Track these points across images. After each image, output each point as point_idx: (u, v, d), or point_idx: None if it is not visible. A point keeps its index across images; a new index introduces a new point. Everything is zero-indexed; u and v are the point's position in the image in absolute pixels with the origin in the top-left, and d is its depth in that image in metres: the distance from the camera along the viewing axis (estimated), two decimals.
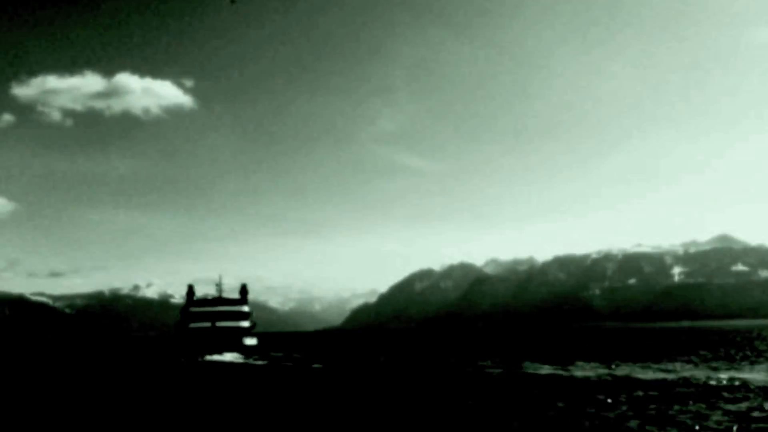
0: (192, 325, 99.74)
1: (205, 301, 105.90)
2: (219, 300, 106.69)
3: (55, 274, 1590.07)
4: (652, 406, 31.84)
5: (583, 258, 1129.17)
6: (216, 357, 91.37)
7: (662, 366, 58.40)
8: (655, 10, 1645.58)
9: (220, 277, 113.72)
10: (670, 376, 47.74)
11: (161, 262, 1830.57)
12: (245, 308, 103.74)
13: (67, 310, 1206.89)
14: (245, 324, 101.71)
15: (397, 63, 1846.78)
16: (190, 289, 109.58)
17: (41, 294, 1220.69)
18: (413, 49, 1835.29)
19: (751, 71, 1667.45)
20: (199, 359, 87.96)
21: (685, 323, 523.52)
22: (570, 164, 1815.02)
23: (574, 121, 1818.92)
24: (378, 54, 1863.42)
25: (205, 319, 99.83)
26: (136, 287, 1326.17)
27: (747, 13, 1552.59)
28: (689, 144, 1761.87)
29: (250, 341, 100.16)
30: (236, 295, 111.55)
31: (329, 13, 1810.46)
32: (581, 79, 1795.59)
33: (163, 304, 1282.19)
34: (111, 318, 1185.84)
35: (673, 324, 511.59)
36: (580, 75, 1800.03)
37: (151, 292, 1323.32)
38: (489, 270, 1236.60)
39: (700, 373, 49.59)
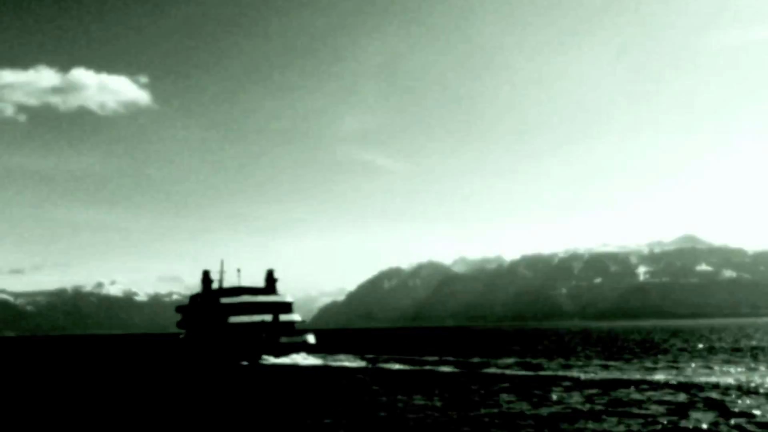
0: (232, 319, 77.10)
1: (237, 290, 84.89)
2: (244, 290, 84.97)
3: (15, 271, 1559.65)
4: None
5: (551, 257, 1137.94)
6: (269, 359, 72.09)
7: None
8: (621, 12, 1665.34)
9: (222, 264, 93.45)
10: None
11: (125, 260, 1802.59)
12: (288, 298, 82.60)
13: (29, 308, 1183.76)
14: (298, 318, 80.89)
15: (363, 63, 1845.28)
16: (206, 276, 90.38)
17: (2, 291, 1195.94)
18: (379, 49, 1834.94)
19: (717, 75, 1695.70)
20: (254, 362, 70.23)
21: (643, 323, 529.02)
22: (538, 165, 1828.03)
23: (542, 122, 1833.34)
24: (344, 54, 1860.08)
25: (247, 311, 78.28)
26: (100, 285, 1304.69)
27: (709, 15, 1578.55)
28: (654, 145, 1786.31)
29: (311, 338, 76.74)
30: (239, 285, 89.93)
31: (293, 13, 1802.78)
32: (547, 80, 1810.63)
33: (127, 301, 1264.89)
34: (74, 316, 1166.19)
35: (641, 323, 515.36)
36: (546, 76, 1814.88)
37: (115, 290, 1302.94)
38: (458, 269, 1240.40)
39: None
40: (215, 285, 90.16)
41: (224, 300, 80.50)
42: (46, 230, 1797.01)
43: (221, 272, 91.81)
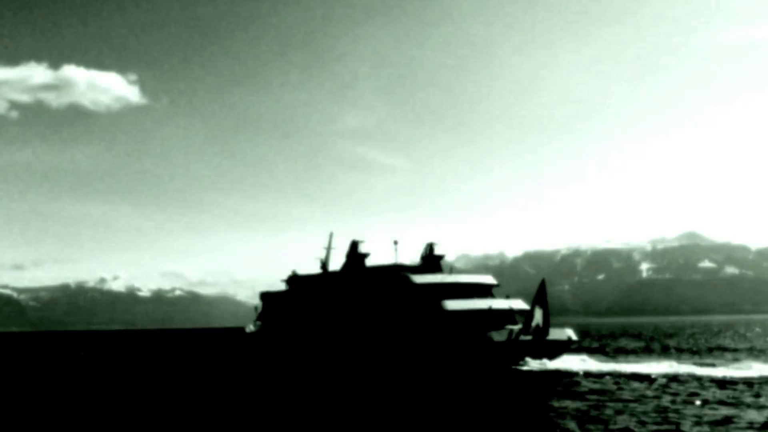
0: (450, 305, 56.10)
1: (396, 268, 65.94)
2: (402, 267, 66.20)
3: (17, 267, 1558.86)
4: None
5: (553, 253, 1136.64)
6: (530, 363, 51.51)
7: None
8: (621, 9, 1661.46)
9: (331, 237, 75.90)
10: None
11: (126, 256, 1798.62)
12: (491, 278, 63.46)
13: (32, 303, 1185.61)
14: (522, 304, 58.71)
15: (362, 59, 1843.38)
16: (354, 247, 69.84)
17: (5, 287, 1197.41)
18: (378, 45, 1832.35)
19: (719, 71, 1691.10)
20: (513, 368, 50.00)
21: (647, 319, 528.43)
22: (540, 160, 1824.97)
23: (544, 118, 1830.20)
24: (341, 50, 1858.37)
25: (451, 295, 57.58)
26: (103, 280, 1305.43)
27: (722, 11, 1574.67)
28: (657, 142, 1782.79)
29: (572, 333, 55.56)
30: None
31: (289, 8, 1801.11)
32: (548, 76, 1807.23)
33: (130, 297, 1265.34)
34: (77, 311, 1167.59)
35: (645, 319, 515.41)
36: (546, 72, 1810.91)
37: (117, 286, 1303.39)
38: (460, 264, 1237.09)
39: None
40: (297, 270, 75.03)
41: (418, 280, 60.47)
42: (46, 226, 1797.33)
43: (329, 248, 75.92)
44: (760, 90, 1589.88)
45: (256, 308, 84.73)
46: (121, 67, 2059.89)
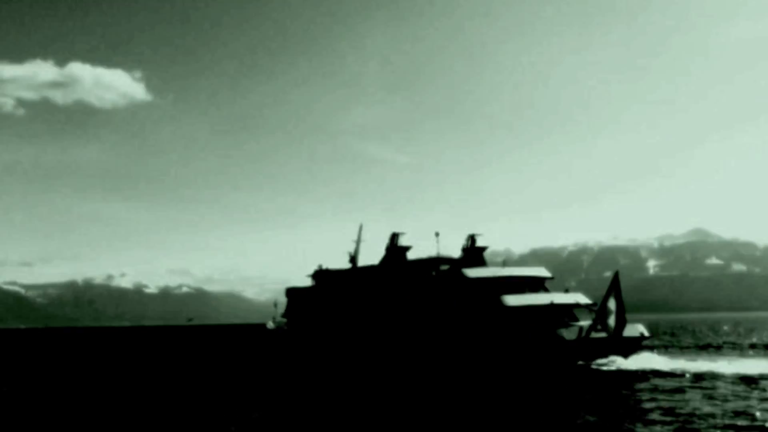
0: (510, 300, 52.05)
1: (436, 261, 61.76)
2: (442, 260, 61.91)
3: (24, 264, 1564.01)
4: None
5: (560, 250, 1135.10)
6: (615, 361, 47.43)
7: None
8: (632, 7, 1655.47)
9: (361, 228, 72.05)
10: None
11: (133, 252, 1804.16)
12: (545, 271, 59.49)
13: (40, 300, 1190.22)
14: (583, 298, 54.86)
15: (368, 56, 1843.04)
16: (394, 239, 64.61)
17: (13, 283, 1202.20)
18: (383, 41, 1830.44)
19: (728, 67, 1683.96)
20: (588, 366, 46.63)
21: (655, 316, 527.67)
22: (547, 157, 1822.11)
23: (552, 114, 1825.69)
24: (347, 47, 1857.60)
25: (506, 289, 53.59)
26: (110, 277, 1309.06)
27: (723, 8, 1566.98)
28: (664, 138, 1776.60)
29: (644, 329, 51.76)
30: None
31: (294, 5, 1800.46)
32: (555, 73, 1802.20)
33: (137, 294, 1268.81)
34: (85, 308, 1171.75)
35: (653, 316, 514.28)
36: (553, 69, 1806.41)
37: (125, 282, 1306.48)
38: None
39: None
40: (321, 262, 71.00)
41: (472, 273, 56.08)
42: (53, 223, 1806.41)
43: (358, 241, 71.67)
44: (766, 86, 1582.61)
45: (275, 304, 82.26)
46: (126, 65, 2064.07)
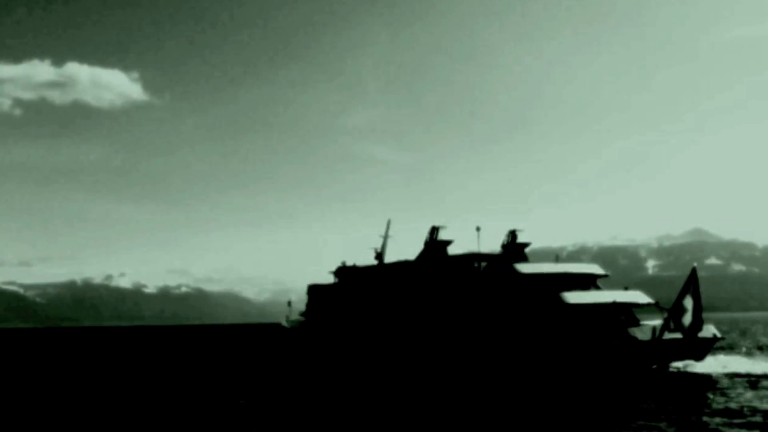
0: (570, 298, 48.99)
1: (473, 257, 58.31)
2: (481, 256, 58.41)
3: (23, 264, 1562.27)
4: None
5: (559, 251, 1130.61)
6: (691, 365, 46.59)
7: None
8: (626, 9, 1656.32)
9: (389, 223, 68.82)
10: None
11: (132, 252, 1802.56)
12: (598, 268, 57.96)
13: (39, 299, 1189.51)
14: (644, 297, 52.06)
15: (366, 56, 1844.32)
16: (433, 232, 60.60)
17: (12, 283, 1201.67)
18: (383, 42, 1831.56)
19: (724, 68, 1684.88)
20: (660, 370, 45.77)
21: None
22: (546, 158, 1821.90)
23: (550, 115, 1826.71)
24: (346, 46, 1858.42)
25: (561, 286, 50.34)
26: (109, 277, 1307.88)
27: (720, 10, 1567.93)
28: (663, 138, 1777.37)
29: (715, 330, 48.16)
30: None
31: (294, 4, 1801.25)
32: (553, 74, 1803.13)
33: (136, 293, 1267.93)
34: (84, 307, 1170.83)
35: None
36: (550, 70, 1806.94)
37: (124, 282, 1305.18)
38: None
39: None
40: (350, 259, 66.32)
41: (525, 269, 53.13)
42: (52, 223, 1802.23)
43: (386, 237, 68.29)
44: (765, 86, 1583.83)
45: (289, 303, 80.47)
46: (123, 65, 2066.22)
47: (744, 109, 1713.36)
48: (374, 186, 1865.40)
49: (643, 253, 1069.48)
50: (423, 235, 63.56)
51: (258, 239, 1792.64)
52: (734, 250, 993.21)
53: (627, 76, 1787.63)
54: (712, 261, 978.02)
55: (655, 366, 45.74)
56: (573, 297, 48.86)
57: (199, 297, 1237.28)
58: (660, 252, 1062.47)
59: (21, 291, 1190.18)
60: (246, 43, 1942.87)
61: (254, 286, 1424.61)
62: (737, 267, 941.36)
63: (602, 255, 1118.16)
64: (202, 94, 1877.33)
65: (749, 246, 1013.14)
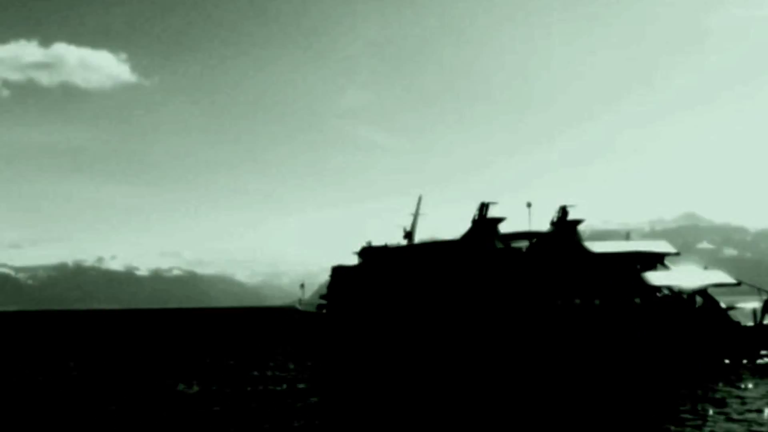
0: (654, 279, 46.40)
1: (524, 235, 54.97)
2: (531, 234, 54.88)
3: (13, 246, 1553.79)
4: None
5: None
6: None
7: None
8: None
9: (420, 200, 64.29)
10: None
11: (123, 235, 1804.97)
12: (668, 246, 53.52)
13: (30, 282, 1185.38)
14: (729, 277, 48.33)
15: (359, 39, 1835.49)
16: (483, 209, 54.77)
17: (3, 265, 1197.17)
18: (376, 25, 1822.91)
19: (719, 53, 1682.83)
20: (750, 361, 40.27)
21: None
22: (537, 141, 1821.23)
23: (543, 100, 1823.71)
24: (339, 30, 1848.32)
25: (636, 264, 47.93)
26: (101, 259, 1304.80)
27: None
28: (655, 123, 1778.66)
29: None
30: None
31: None
32: (549, 59, 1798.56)
33: (128, 276, 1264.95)
34: (75, 290, 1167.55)
35: None
36: (547, 55, 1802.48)
37: (115, 265, 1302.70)
38: None
39: None
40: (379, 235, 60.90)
41: (597, 248, 50.68)
42: (42, 205, 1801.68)
43: (416, 215, 63.88)
44: (760, 70, 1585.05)
45: (301, 286, 76.92)
46: (112, 46, 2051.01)
47: (739, 93, 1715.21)
48: (368, 169, 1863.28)
49: (635, 237, 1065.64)
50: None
51: (249, 222, 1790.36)
52: (726, 235, 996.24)
53: (624, 61, 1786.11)
54: (705, 245, 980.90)
55: (754, 353, 41.14)
56: (655, 277, 45.44)
57: (191, 279, 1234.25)
58: (652, 236, 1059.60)
59: (12, 273, 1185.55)
60: (237, 24, 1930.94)
61: (246, 269, 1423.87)
62: (729, 251, 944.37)
63: (594, 239, 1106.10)
64: (192, 77, 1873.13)
65: (741, 230, 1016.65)
